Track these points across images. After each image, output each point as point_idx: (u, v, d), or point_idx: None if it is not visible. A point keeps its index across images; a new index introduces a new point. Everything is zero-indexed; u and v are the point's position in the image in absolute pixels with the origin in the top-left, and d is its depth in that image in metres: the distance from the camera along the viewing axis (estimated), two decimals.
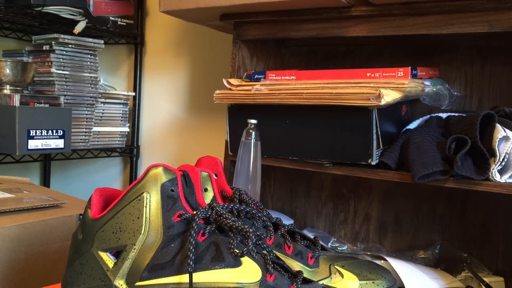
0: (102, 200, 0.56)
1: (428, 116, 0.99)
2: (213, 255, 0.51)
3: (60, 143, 1.28)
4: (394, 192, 1.12)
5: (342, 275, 0.63)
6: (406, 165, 0.86)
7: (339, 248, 1.13)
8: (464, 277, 0.90)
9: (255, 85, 0.97)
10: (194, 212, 0.52)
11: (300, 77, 0.97)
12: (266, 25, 1.06)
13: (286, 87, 0.94)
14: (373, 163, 0.88)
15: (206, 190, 0.60)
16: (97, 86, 1.44)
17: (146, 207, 0.51)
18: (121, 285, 0.50)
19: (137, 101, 1.62)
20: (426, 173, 0.81)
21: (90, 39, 1.41)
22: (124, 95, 1.55)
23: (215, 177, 0.63)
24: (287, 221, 1.15)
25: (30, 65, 1.26)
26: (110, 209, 0.52)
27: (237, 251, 0.50)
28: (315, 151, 0.93)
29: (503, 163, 0.78)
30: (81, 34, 1.36)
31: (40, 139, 1.23)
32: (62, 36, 1.34)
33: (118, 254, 0.52)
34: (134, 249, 0.50)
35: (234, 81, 1.03)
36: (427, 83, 0.93)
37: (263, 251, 0.56)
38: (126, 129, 1.58)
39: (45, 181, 1.70)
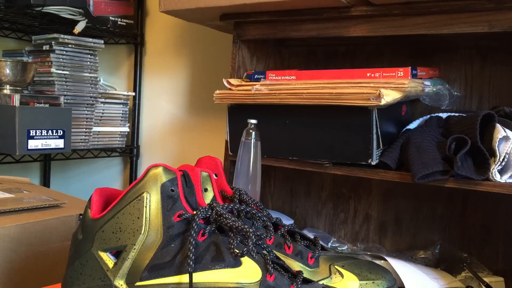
0: (102, 200, 0.56)
1: (428, 116, 0.99)
2: (213, 255, 0.51)
3: (60, 143, 1.28)
4: (394, 192, 1.12)
5: (342, 275, 0.63)
6: (406, 165, 0.86)
7: (339, 248, 1.13)
8: (464, 277, 0.90)
9: (255, 85, 0.97)
10: (194, 212, 0.52)
11: (300, 77, 0.97)
12: (266, 25, 1.06)
13: (286, 87, 0.94)
14: (373, 163, 0.88)
15: (206, 190, 0.60)
16: (97, 86, 1.44)
17: (146, 207, 0.51)
18: (121, 285, 0.50)
19: (137, 101, 1.61)
20: (426, 173, 0.81)
21: (90, 39, 1.41)
22: (124, 95, 1.55)
23: (215, 177, 0.63)
24: (287, 221, 1.15)
25: (30, 65, 1.26)
26: (110, 209, 0.52)
27: (237, 251, 0.50)
28: (315, 151, 0.93)
29: (503, 163, 0.78)
30: (81, 34, 1.36)
31: (40, 139, 1.23)
32: (62, 36, 1.34)
33: (118, 254, 0.52)
34: (134, 249, 0.50)
35: (234, 81, 1.03)
36: (427, 83, 0.93)
37: (263, 251, 0.56)
38: (126, 129, 1.58)
39: (45, 181, 1.70)
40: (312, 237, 0.70)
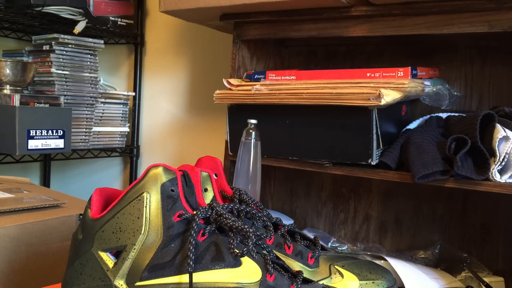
0: (102, 200, 0.56)
1: (428, 116, 0.99)
2: (213, 255, 0.51)
3: (60, 143, 1.28)
4: (394, 192, 1.12)
5: (342, 275, 0.63)
6: (406, 165, 0.86)
7: (339, 248, 1.13)
8: (464, 277, 0.90)
9: (255, 85, 0.97)
10: (194, 212, 0.52)
11: (300, 77, 0.97)
12: (266, 25, 1.06)
13: (286, 87, 0.94)
14: (373, 163, 0.88)
15: (206, 190, 0.60)
16: (97, 86, 1.44)
17: (146, 207, 0.51)
18: (121, 285, 0.50)
19: (137, 101, 1.62)
20: (426, 173, 0.81)
21: (90, 39, 1.41)
22: (124, 95, 1.55)
23: (215, 177, 0.63)
24: (287, 221, 1.15)
25: (30, 65, 1.26)
26: (110, 209, 0.52)
27: (237, 251, 0.50)
28: (315, 151, 0.93)
29: (503, 163, 0.78)
30: (81, 34, 1.36)
31: (40, 139, 1.23)
32: (62, 36, 1.34)
33: (118, 254, 0.52)
34: (134, 249, 0.50)
35: (234, 81, 1.03)
36: (427, 83, 0.93)
37: (263, 251, 0.56)
38: (126, 129, 1.58)
39: (45, 181, 1.70)
40: (312, 237, 0.70)
